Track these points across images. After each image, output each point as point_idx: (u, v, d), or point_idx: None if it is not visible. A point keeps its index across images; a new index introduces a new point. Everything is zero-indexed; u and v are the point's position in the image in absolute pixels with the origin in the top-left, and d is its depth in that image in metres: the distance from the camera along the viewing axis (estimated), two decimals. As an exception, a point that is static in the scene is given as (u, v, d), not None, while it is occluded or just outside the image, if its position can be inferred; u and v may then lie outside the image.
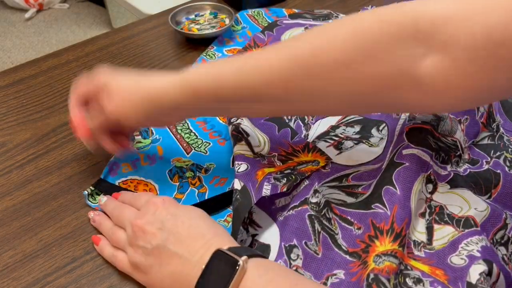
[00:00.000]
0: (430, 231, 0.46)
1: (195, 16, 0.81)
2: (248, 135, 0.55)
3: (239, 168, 0.50)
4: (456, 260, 0.43)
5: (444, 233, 0.45)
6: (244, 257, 0.38)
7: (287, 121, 0.59)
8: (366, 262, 0.44)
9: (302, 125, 0.59)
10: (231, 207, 0.51)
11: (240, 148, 0.53)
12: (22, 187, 0.54)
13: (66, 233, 0.49)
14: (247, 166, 0.50)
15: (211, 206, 0.51)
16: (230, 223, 0.50)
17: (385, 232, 0.44)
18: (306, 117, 0.60)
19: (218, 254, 0.38)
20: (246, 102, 0.45)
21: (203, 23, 0.79)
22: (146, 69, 0.72)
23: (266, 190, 0.48)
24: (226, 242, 0.40)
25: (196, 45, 0.77)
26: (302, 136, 0.58)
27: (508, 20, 0.32)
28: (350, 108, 0.45)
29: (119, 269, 0.45)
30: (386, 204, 0.46)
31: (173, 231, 0.41)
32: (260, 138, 0.56)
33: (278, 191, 0.49)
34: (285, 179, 0.50)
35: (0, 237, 0.49)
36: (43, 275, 0.46)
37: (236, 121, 0.56)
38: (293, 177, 0.51)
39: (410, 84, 0.38)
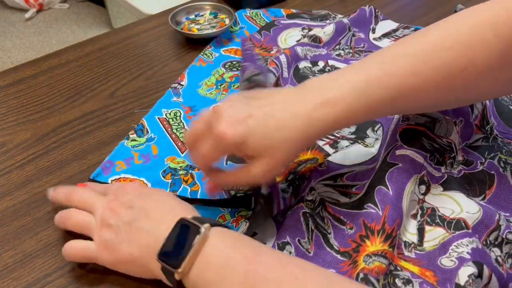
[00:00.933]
0: (421, 232, 0.46)
1: (195, 16, 0.81)
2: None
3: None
4: (446, 262, 0.43)
5: (435, 235, 0.45)
6: (207, 225, 0.39)
7: None
8: (356, 262, 0.44)
9: None
10: (225, 209, 0.51)
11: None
12: (22, 187, 0.54)
13: (66, 233, 0.49)
14: None
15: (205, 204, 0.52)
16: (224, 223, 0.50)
17: (376, 232, 0.45)
18: None
19: (182, 222, 0.40)
20: (385, 112, 0.46)
21: (203, 23, 0.79)
22: (146, 69, 0.72)
23: (281, 205, 0.49)
24: (193, 215, 0.42)
25: (196, 45, 0.77)
26: None
27: None
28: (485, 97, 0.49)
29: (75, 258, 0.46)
30: (378, 205, 0.46)
31: (142, 208, 0.43)
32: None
33: (288, 204, 0.49)
34: (291, 188, 0.51)
35: (0, 237, 0.49)
36: (43, 275, 0.46)
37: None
38: (297, 183, 0.51)
39: None
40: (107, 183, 0.53)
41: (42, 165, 0.57)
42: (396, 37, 0.76)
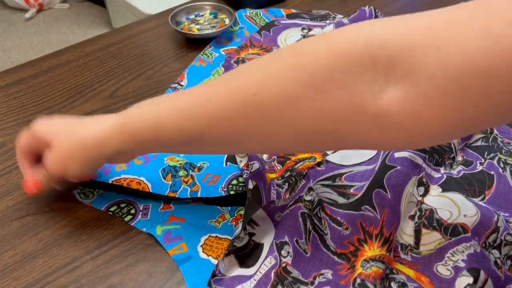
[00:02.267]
0: (418, 234, 0.46)
1: (195, 16, 0.81)
2: None
3: (252, 168, 0.50)
4: (442, 270, 0.43)
5: (431, 239, 0.45)
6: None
7: None
8: (354, 266, 0.44)
9: None
10: (223, 208, 0.51)
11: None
12: (22, 187, 0.54)
13: (66, 233, 0.49)
14: (259, 165, 0.51)
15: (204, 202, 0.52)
16: (221, 223, 0.50)
17: (374, 236, 0.45)
18: None
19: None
20: (193, 144, 0.42)
21: (203, 23, 0.79)
22: (146, 69, 0.72)
23: (273, 195, 0.49)
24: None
25: (196, 45, 0.77)
26: None
27: (486, 50, 0.28)
28: (305, 147, 0.42)
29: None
30: (377, 208, 0.46)
31: None
32: None
33: (282, 198, 0.49)
34: (286, 184, 0.51)
35: (0, 237, 0.49)
36: (43, 275, 0.46)
37: None
38: (293, 180, 0.51)
39: (369, 121, 0.33)
40: (107, 183, 0.53)
41: (42, 165, 0.57)
42: None
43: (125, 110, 0.44)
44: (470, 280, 0.40)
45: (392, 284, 0.43)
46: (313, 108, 0.34)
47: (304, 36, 0.76)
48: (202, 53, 0.74)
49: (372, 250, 0.44)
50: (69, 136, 0.45)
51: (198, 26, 0.78)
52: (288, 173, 0.53)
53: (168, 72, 0.72)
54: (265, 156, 0.55)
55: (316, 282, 0.44)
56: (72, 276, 0.46)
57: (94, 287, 0.45)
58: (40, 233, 0.50)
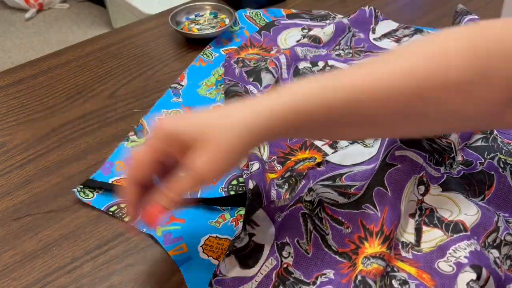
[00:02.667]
0: (418, 232, 0.46)
1: (195, 16, 0.81)
2: None
3: (252, 168, 0.50)
4: (444, 266, 0.43)
5: (432, 236, 0.45)
6: None
7: None
8: (355, 264, 0.44)
9: None
10: (224, 208, 0.51)
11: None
12: (22, 187, 0.54)
13: (66, 233, 0.49)
14: (259, 165, 0.50)
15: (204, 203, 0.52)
16: (222, 224, 0.50)
17: (375, 234, 0.45)
18: None
19: None
20: (355, 126, 0.40)
21: (203, 23, 0.79)
22: (146, 69, 0.72)
23: (273, 194, 0.49)
24: None
25: (196, 45, 0.77)
26: None
27: None
28: (450, 129, 0.44)
29: None
30: (377, 206, 0.46)
31: None
32: None
33: (281, 198, 0.49)
34: (286, 184, 0.51)
35: (0, 237, 0.49)
36: (43, 275, 0.46)
37: None
38: (293, 180, 0.51)
39: None
40: (108, 183, 0.53)
41: (42, 165, 0.57)
42: (396, 37, 0.76)
43: (278, 93, 0.39)
44: (473, 276, 0.40)
45: (393, 282, 0.43)
46: (478, 95, 0.36)
47: (304, 36, 0.76)
48: (202, 53, 0.74)
49: (373, 247, 0.44)
50: (228, 128, 0.37)
51: (198, 26, 0.78)
52: (288, 173, 0.53)
53: (168, 72, 0.72)
54: (265, 156, 0.55)
55: (318, 282, 0.44)
56: (72, 276, 0.46)
57: (94, 287, 0.45)
58: (40, 233, 0.50)
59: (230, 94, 0.61)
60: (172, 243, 0.48)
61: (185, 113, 0.39)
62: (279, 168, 0.54)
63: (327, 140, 0.57)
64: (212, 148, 0.36)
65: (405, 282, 0.43)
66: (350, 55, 0.73)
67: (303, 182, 0.52)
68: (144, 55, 0.76)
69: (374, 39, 0.76)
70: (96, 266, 0.46)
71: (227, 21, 0.80)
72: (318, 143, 0.56)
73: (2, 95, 0.68)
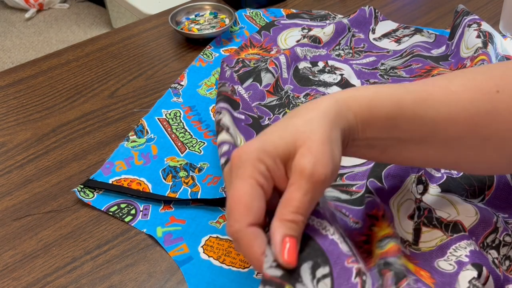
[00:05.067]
0: (417, 232, 0.46)
1: (195, 16, 0.81)
2: (229, 128, 0.52)
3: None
4: (444, 265, 0.42)
5: (432, 236, 0.45)
6: None
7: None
8: (371, 252, 0.43)
9: None
10: (224, 208, 0.51)
11: (223, 137, 0.50)
12: (22, 187, 0.54)
13: (66, 233, 0.49)
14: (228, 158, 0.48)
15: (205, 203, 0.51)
16: (222, 224, 0.50)
17: (380, 217, 0.45)
18: None
19: None
20: (416, 140, 0.38)
21: (203, 23, 0.79)
22: (146, 69, 0.72)
23: None
24: None
25: (196, 45, 0.77)
26: None
27: None
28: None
29: None
30: (374, 193, 0.46)
31: None
32: (238, 136, 0.54)
33: None
34: None
35: (0, 237, 0.49)
36: (43, 275, 0.46)
37: (218, 117, 0.54)
38: None
39: None
40: (108, 183, 0.53)
41: (42, 165, 0.57)
42: (396, 37, 0.76)
43: (351, 89, 0.38)
44: (475, 273, 0.40)
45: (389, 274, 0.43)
46: None
47: (304, 36, 0.76)
48: (202, 53, 0.74)
49: (383, 229, 0.43)
50: (314, 121, 0.33)
51: (198, 26, 0.78)
52: None
53: (168, 72, 0.72)
54: None
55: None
56: (72, 276, 0.46)
57: (94, 287, 0.45)
58: (40, 233, 0.50)
59: (218, 95, 0.60)
60: (173, 243, 0.48)
61: (260, 135, 0.35)
62: None
63: None
64: (312, 144, 0.32)
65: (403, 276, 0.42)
66: (350, 55, 0.73)
67: None
68: (144, 55, 0.76)
69: (374, 39, 0.76)
70: (96, 266, 0.46)
71: (227, 21, 0.80)
72: None
73: (2, 95, 0.68)
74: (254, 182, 0.32)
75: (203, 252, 0.47)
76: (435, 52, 0.71)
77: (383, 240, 0.43)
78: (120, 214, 0.51)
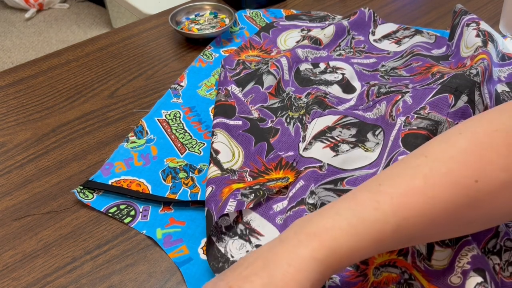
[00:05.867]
0: (430, 250, 0.44)
1: (195, 16, 0.81)
2: (218, 153, 0.54)
3: (206, 192, 0.50)
4: (454, 279, 0.42)
5: (444, 256, 0.44)
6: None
7: (285, 124, 0.60)
8: (366, 275, 0.43)
9: (300, 126, 0.59)
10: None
11: (211, 171, 0.52)
12: (22, 187, 0.54)
13: (66, 233, 0.49)
14: (212, 188, 0.50)
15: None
16: None
17: None
18: (304, 118, 0.60)
19: None
20: (404, 244, 0.39)
21: (203, 23, 0.79)
22: (146, 69, 0.72)
23: (231, 207, 0.47)
24: None
25: (196, 45, 0.77)
26: (300, 138, 0.58)
27: None
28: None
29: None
30: None
31: None
32: (235, 151, 0.55)
33: (244, 207, 0.48)
34: (253, 195, 0.50)
35: (0, 237, 0.49)
36: (43, 275, 0.46)
37: (212, 137, 0.56)
38: (261, 193, 0.50)
39: None
40: (107, 184, 0.53)
41: (42, 165, 0.57)
42: (397, 39, 0.76)
43: (315, 235, 0.36)
44: (479, 279, 0.39)
45: None
46: None
47: (304, 37, 0.76)
48: (202, 54, 0.74)
49: (381, 256, 0.43)
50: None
51: (198, 26, 0.78)
52: (258, 186, 0.51)
53: (168, 72, 0.72)
54: (237, 166, 0.54)
55: (326, 286, 0.43)
56: (72, 276, 0.46)
57: (94, 287, 0.45)
58: (40, 233, 0.50)
59: (214, 107, 0.61)
60: (173, 245, 0.48)
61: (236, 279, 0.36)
62: (249, 180, 0.52)
63: (328, 143, 0.56)
64: None
65: None
66: (351, 53, 0.73)
67: (302, 183, 0.51)
68: (144, 55, 0.76)
69: (374, 40, 0.76)
70: (96, 266, 0.46)
71: (227, 21, 0.80)
72: (317, 146, 0.56)
73: (2, 95, 0.68)
74: None
75: (203, 253, 0.47)
76: (436, 52, 0.71)
77: (379, 268, 0.43)
78: (120, 216, 0.51)
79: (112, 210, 0.51)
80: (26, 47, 2.20)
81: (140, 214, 0.51)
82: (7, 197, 0.53)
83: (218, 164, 0.53)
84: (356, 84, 0.67)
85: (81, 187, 0.53)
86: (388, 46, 0.75)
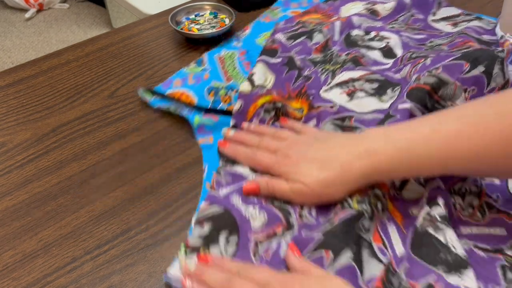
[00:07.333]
0: (404, 183, 0.49)
1: (195, 16, 0.81)
2: (253, 74, 0.62)
3: (236, 105, 0.59)
4: (415, 211, 0.47)
5: (415, 190, 0.49)
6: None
7: (319, 74, 0.65)
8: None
9: (330, 74, 0.65)
10: None
11: (243, 85, 0.61)
12: (22, 187, 0.54)
13: (66, 233, 0.49)
14: (241, 104, 0.59)
15: None
16: None
17: None
18: (337, 72, 0.64)
19: None
20: (435, 171, 0.45)
21: (203, 23, 0.79)
22: (146, 69, 0.72)
23: (254, 123, 0.58)
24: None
25: (196, 45, 0.77)
26: (326, 84, 0.63)
27: None
28: None
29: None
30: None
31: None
32: (268, 76, 0.63)
33: (265, 123, 0.58)
34: (274, 112, 0.59)
35: (0, 237, 0.49)
36: (43, 275, 0.46)
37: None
38: (280, 110, 0.59)
39: None
40: (164, 94, 0.64)
41: (42, 165, 0.57)
42: (454, 22, 0.76)
43: (368, 146, 0.46)
44: (429, 209, 0.44)
45: (378, 204, 0.47)
46: None
47: (368, 10, 0.78)
48: (269, 11, 0.83)
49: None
50: (345, 165, 0.46)
51: (198, 26, 0.78)
52: (280, 105, 0.59)
53: (168, 72, 0.72)
54: (269, 85, 0.61)
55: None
56: (72, 276, 0.46)
57: (94, 287, 0.45)
58: (40, 233, 0.50)
59: (262, 49, 0.69)
60: (203, 134, 0.60)
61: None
62: (275, 94, 0.60)
63: (347, 90, 0.61)
64: (304, 188, 0.47)
65: (383, 209, 0.47)
66: (404, 29, 0.74)
67: (314, 121, 0.58)
68: (144, 55, 0.76)
69: (433, 20, 0.77)
70: (96, 266, 0.46)
71: (227, 21, 0.80)
72: (335, 91, 0.61)
73: (2, 95, 0.68)
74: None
75: None
76: (486, 37, 0.70)
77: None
78: (169, 111, 0.63)
79: (164, 109, 0.63)
80: (26, 47, 2.21)
81: (186, 113, 0.62)
82: (7, 197, 0.53)
83: (251, 81, 0.61)
84: (399, 52, 0.69)
85: (144, 89, 0.65)
86: (444, 27, 0.75)
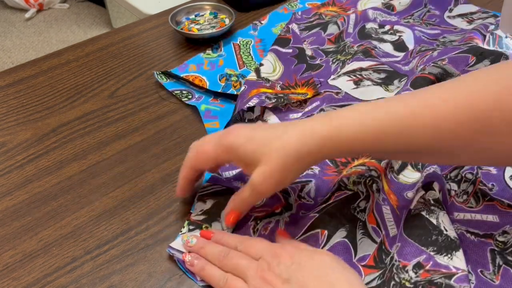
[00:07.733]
0: (403, 166, 0.51)
1: (195, 16, 0.81)
2: (262, 65, 0.65)
3: (241, 89, 0.61)
4: (410, 194, 0.48)
5: (412, 176, 0.50)
6: None
7: (330, 63, 0.67)
8: (341, 172, 0.50)
9: (340, 64, 0.66)
10: None
11: (250, 75, 0.64)
12: (22, 187, 0.54)
13: (66, 233, 0.49)
14: (245, 87, 0.61)
15: None
16: None
17: (366, 155, 0.50)
18: (347, 62, 0.66)
19: None
20: (403, 153, 0.42)
21: (203, 23, 0.79)
22: (146, 69, 0.72)
23: (252, 103, 0.58)
24: None
25: (196, 45, 0.77)
26: (335, 73, 0.64)
27: None
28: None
29: None
30: None
31: (301, 283, 0.38)
32: (276, 67, 0.66)
33: (264, 105, 0.58)
34: (275, 99, 0.60)
35: (0, 237, 0.49)
36: (43, 275, 0.46)
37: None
38: (282, 100, 0.60)
39: None
40: (179, 76, 0.68)
41: (42, 165, 0.57)
42: (471, 19, 0.76)
43: (330, 116, 0.42)
44: (423, 192, 0.45)
45: (374, 185, 0.47)
46: None
47: (384, 5, 0.79)
48: (287, 4, 0.85)
49: (358, 161, 0.50)
50: (281, 150, 0.42)
51: (198, 26, 0.78)
52: (282, 95, 0.61)
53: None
54: (274, 78, 0.64)
55: (304, 174, 0.51)
56: (72, 276, 0.46)
57: (94, 287, 0.45)
58: (40, 233, 0.50)
59: (276, 39, 0.72)
60: (210, 118, 0.62)
61: (251, 129, 0.45)
62: (278, 89, 0.63)
63: (354, 78, 0.62)
64: (268, 166, 0.42)
65: (378, 191, 0.48)
66: (419, 23, 0.75)
67: (317, 103, 0.59)
68: (144, 55, 0.76)
69: (448, 17, 0.77)
70: (96, 266, 0.46)
71: (227, 21, 0.80)
72: (342, 78, 0.62)
73: (2, 95, 0.68)
74: (215, 158, 0.46)
75: None
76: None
77: (352, 168, 0.49)
78: (180, 96, 0.66)
79: (176, 92, 0.67)
80: (26, 47, 2.21)
81: (195, 98, 0.66)
82: (7, 197, 0.53)
83: (257, 72, 0.65)
84: (410, 46, 0.69)
85: (159, 72, 0.68)
86: (460, 23, 0.75)
